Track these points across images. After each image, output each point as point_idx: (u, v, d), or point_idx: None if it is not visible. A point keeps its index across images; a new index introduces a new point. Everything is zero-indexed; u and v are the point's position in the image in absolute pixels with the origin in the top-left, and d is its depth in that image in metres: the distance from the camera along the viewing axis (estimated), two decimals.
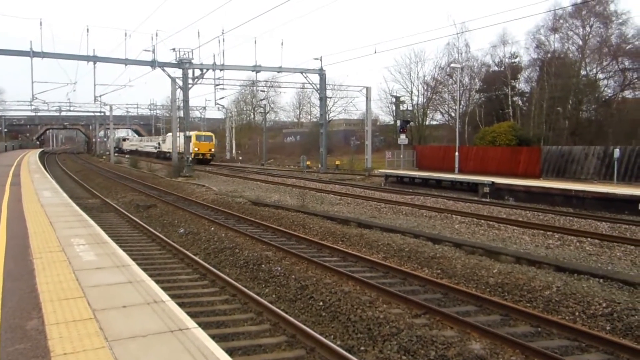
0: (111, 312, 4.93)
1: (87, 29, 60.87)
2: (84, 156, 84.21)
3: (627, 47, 41.27)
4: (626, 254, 11.19)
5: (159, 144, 65.16)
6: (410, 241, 12.33)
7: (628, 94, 41.86)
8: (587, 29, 43.06)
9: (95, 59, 34.01)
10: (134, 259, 7.68)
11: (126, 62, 35.15)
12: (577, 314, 7.57)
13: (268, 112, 76.42)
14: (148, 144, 74.52)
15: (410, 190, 26.37)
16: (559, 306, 7.86)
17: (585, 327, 7.06)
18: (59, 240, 8.48)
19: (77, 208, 13.20)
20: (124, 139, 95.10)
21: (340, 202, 20.43)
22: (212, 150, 53.81)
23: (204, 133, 55.62)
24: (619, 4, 41.73)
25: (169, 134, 52.28)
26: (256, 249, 11.68)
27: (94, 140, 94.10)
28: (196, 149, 49.30)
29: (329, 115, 57.31)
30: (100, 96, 54.39)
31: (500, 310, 7.76)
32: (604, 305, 7.59)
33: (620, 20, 42.00)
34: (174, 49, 35.95)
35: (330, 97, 54.74)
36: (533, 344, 6.33)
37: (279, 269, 9.91)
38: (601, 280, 9.04)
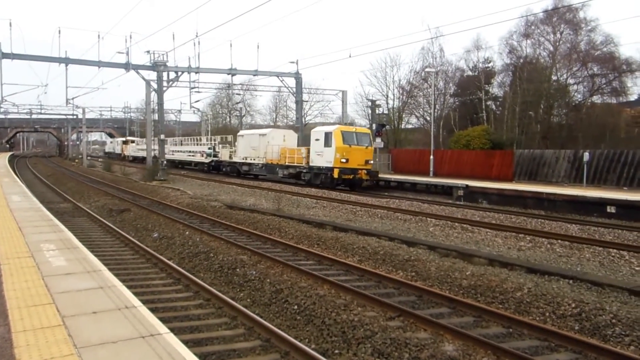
0: (81, 319, 4.85)
1: (59, 30, 59.49)
2: (56, 160, 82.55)
3: (596, 54, 42.33)
4: (595, 255, 11.45)
5: (213, 147, 43.81)
6: (385, 244, 12.40)
7: (597, 99, 42.94)
8: (558, 35, 44.03)
9: (67, 60, 33.44)
10: (105, 264, 7.56)
11: (99, 64, 34.62)
12: (547, 314, 7.71)
13: (244, 115, 76.07)
14: (192, 149, 50.13)
15: (386, 194, 26.57)
16: (530, 307, 7.99)
17: (555, 327, 7.20)
18: (28, 246, 8.30)
19: (48, 213, 12.95)
20: (126, 142, 73.75)
21: (316, 205, 20.44)
22: (371, 161, 29.36)
23: (359, 129, 30.61)
24: (588, 11, 42.80)
25: (246, 133, 39.07)
26: (231, 253, 11.61)
27: (66, 143, 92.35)
28: (342, 160, 27.23)
29: (305, 118, 57.33)
30: (72, 99, 52.85)
31: (473, 312, 7.85)
32: (573, 305, 7.75)
33: (589, 27, 43.07)
34: (148, 52, 35.51)
35: (307, 101, 54.85)
36: (504, 345, 6.42)
37: (254, 272, 9.86)
38: (571, 281, 9.24)
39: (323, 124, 58.07)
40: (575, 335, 6.85)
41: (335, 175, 27.15)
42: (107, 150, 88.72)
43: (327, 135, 28.44)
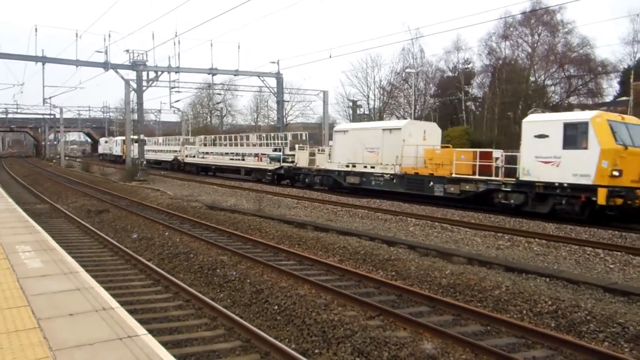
0: (57, 321, 4.78)
1: (35, 28, 58.58)
2: (32, 160, 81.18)
3: (572, 56, 43.09)
4: (571, 254, 11.64)
5: (280, 148, 33.62)
6: (366, 244, 12.46)
7: (574, 100, 43.73)
8: (536, 37, 44.76)
9: (44, 59, 32.92)
10: (83, 266, 7.48)
11: (77, 63, 34.15)
12: (524, 312, 7.83)
13: (225, 115, 75.87)
14: (238, 151, 39.62)
15: (367, 194, 26.61)
16: (508, 305, 8.10)
17: (532, 325, 7.30)
18: (3, 247, 8.15)
19: (24, 214, 12.74)
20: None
21: (297, 205, 20.44)
22: None
23: (632, 119, 17.96)
24: (564, 14, 43.59)
25: (353, 128, 28.61)
26: (211, 253, 11.55)
27: (43, 143, 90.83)
28: (614, 172, 15.57)
29: (286, 118, 57.34)
30: (49, 98, 52.13)
31: (452, 311, 7.93)
32: (550, 303, 7.87)
33: (566, 30, 43.87)
34: (127, 51, 35.18)
35: (288, 101, 54.80)
36: (482, 343, 6.50)
37: (234, 273, 9.83)
38: (547, 279, 9.39)
39: (299, 124, 53.17)
40: (552, 332, 6.97)
41: (601, 199, 15.38)
42: (101, 151, 73.81)
43: (577, 128, 16.47)
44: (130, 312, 6.12)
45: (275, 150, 33.70)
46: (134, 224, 16.01)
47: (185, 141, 49.60)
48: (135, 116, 38.06)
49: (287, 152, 32.13)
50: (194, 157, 43.97)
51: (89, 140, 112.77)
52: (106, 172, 42.05)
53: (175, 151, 48.42)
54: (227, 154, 40.52)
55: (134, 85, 36.08)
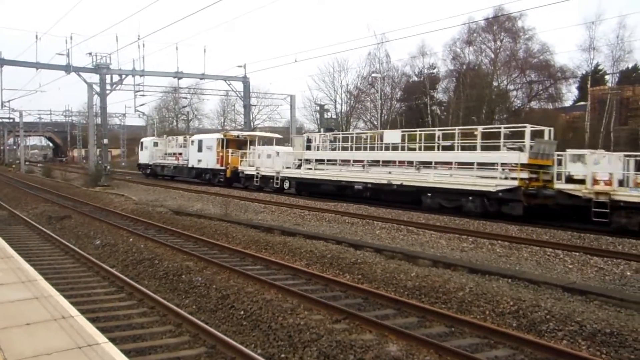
0: (13, 331, 4.64)
1: None
2: None
3: (533, 61, 44.29)
4: (532, 255, 11.93)
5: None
6: (333, 248, 12.49)
7: (535, 104, 44.95)
8: (498, 43, 45.79)
9: (2, 61, 32.15)
10: (43, 274, 7.30)
11: (37, 66, 33.38)
12: (487, 312, 7.98)
13: (191, 119, 74.98)
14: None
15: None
16: (471, 306, 8.25)
17: (494, 325, 7.46)
18: None
19: None
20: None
21: (265, 210, 20.35)
22: None
23: None
24: (525, 21, 44.78)
25: None
26: (177, 259, 11.39)
27: (2, 148, 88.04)
28: None
29: (253, 122, 57.04)
30: (8, 101, 50.78)
31: (417, 313, 8.03)
32: (512, 303, 8.05)
33: (527, 36, 45.05)
34: (90, 54, 34.56)
35: (255, 105, 54.51)
36: (446, 344, 6.60)
37: (200, 279, 9.72)
38: (510, 280, 9.60)
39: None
40: (513, 332, 7.13)
41: None
42: (147, 160, 43.16)
43: None
44: (92, 320, 6.00)
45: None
46: (97, 230, 15.66)
47: (267, 141, 33.25)
48: (99, 120, 37.26)
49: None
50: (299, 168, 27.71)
51: (51, 144, 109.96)
52: (68, 178, 41.03)
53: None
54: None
55: (97, 88, 35.40)
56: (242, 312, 7.93)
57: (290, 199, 24.07)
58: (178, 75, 37.76)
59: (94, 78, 35.28)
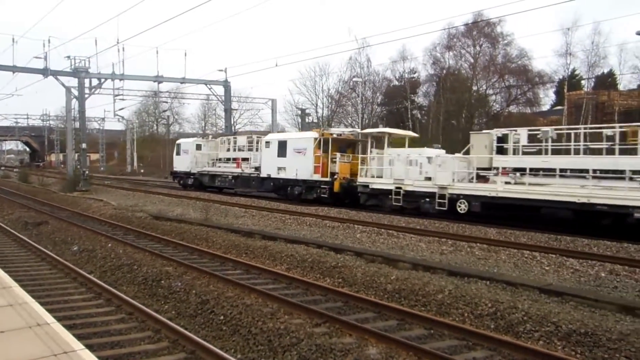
0: None
1: None
2: None
3: (512, 66, 44.95)
4: (510, 257, 12.09)
5: None
6: (314, 251, 12.50)
7: (513, 108, 45.59)
8: (478, 48, 46.40)
9: None
10: (18, 281, 7.19)
11: (14, 69, 32.83)
12: (466, 314, 8.07)
13: (172, 123, 74.47)
14: None
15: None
16: (450, 308, 8.34)
17: (473, 327, 7.55)
18: None
19: None
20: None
21: (245, 214, 20.29)
22: None
23: None
24: (504, 26, 45.48)
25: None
26: (156, 264, 11.30)
27: None
28: None
29: (235, 127, 56.87)
30: None
31: (396, 315, 8.09)
32: (490, 305, 8.15)
33: (505, 41, 45.71)
34: (69, 57, 34.04)
35: (236, 109, 54.50)
36: (425, 346, 6.66)
37: (180, 284, 9.65)
38: (488, 282, 9.71)
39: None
40: (491, 334, 7.22)
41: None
42: (178, 168, 37.04)
43: None
44: (69, 327, 5.93)
45: None
46: (75, 236, 15.45)
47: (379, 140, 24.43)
48: (77, 124, 36.74)
49: None
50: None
51: (28, 149, 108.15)
52: (46, 183, 40.34)
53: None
54: None
55: (76, 92, 34.94)
56: (222, 317, 7.89)
57: (270, 204, 23.99)
58: (158, 79, 37.46)
59: (73, 82, 34.83)
